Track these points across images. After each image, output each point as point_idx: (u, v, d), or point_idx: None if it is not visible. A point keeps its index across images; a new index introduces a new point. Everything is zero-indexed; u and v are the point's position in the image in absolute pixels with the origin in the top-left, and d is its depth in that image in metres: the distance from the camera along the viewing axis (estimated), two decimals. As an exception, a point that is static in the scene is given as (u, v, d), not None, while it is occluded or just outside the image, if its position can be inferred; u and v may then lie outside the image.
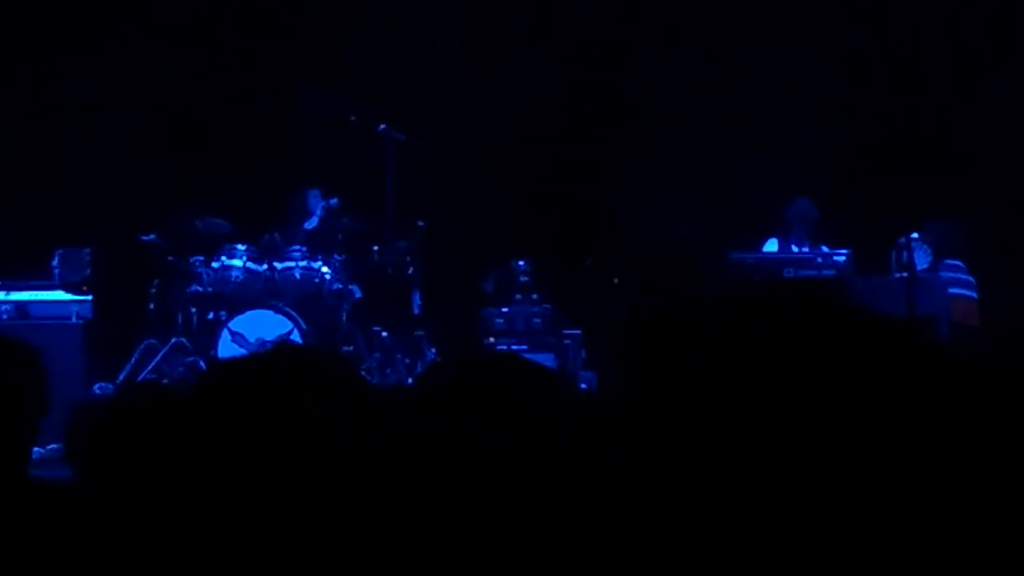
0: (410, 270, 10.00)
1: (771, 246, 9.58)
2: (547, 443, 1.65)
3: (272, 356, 1.96)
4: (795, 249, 9.50)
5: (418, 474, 1.62)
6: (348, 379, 1.94)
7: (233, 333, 9.49)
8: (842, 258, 8.77)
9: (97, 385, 9.36)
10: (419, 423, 1.73)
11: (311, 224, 10.25)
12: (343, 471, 1.77)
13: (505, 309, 9.91)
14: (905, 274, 8.66)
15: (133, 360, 9.51)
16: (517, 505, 1.63)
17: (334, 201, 10.15)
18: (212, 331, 9.62)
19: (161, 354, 9.50)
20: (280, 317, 9.49)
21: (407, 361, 9.74)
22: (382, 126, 9.91)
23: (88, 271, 9.68)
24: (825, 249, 9.49)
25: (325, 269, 9.87)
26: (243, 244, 9.87)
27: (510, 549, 1.62)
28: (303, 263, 9.85)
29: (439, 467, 1.63)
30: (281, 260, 9.86)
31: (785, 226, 9.66)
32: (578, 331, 9.80)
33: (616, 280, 9.88)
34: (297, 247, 9.93)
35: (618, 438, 1.63)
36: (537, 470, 1.63)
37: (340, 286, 9.89)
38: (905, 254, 8.70)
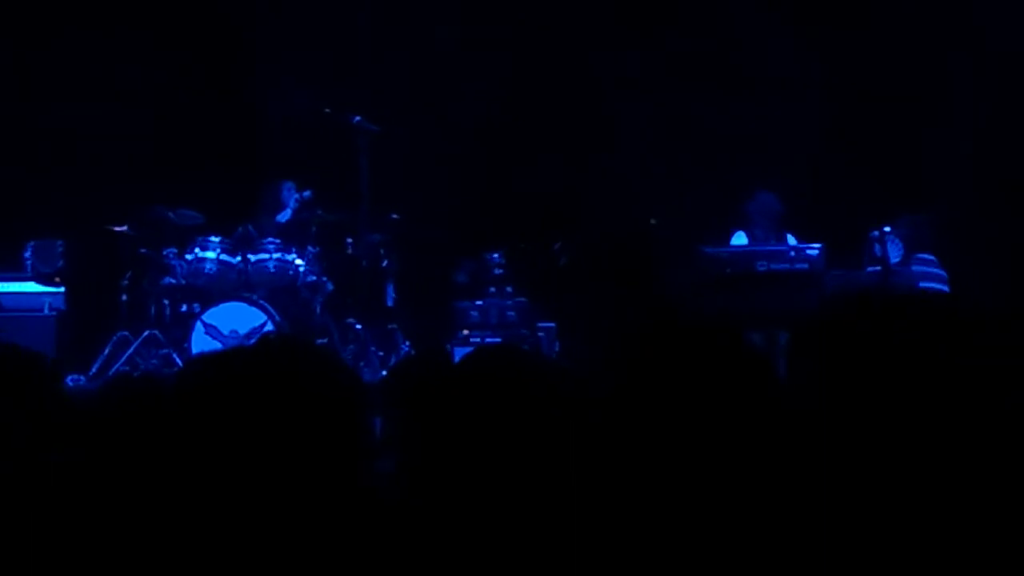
0: (384, 263, 9.99)
1: (739, 239, 9.61)
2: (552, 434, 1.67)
3: (263, 347, 1.97)
4: (760, 242, 9.53)
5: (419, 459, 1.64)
6: (335, 370, 1.95)
7: (207, 325, 9.47)
8: (815, 252, 8.79)
9: (69, 377, 9.32)
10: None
11: (284, 216, 10.22)
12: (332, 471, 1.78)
13: (479, 302, 9.92)
14: (878, 268, 8.72)
15: (106, 352, 9.47)
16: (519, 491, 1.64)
17: (307, 193, 10.13)
18: (185, 323, 9.60)
19: (134, 346, 9.46)
20: (254, 309, 9.47)
21: (381, 354, 9.74)
22: (356, 118, 9.89)
23: (61, 263, 9.65)
24: (791, 240, 9.54)
25: (299, 261, 9.86)
26: (217, 236, 9.84)
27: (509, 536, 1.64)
28: (277, 255, 9.82)
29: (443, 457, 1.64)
30: (255, 252, 9.84)
31: (746, 220, 9.68)
32: (552, 324, 9.81)
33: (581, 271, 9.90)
34: (271, 239, 9.91)
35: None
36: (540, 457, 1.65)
37: (314, 278, 9.88)
38: (878, 247, 8.75)
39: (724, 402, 1.90)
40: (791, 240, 9.55)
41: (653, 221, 9.80)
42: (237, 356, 1.93)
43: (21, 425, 1.97)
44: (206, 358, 2.02)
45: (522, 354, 1.82)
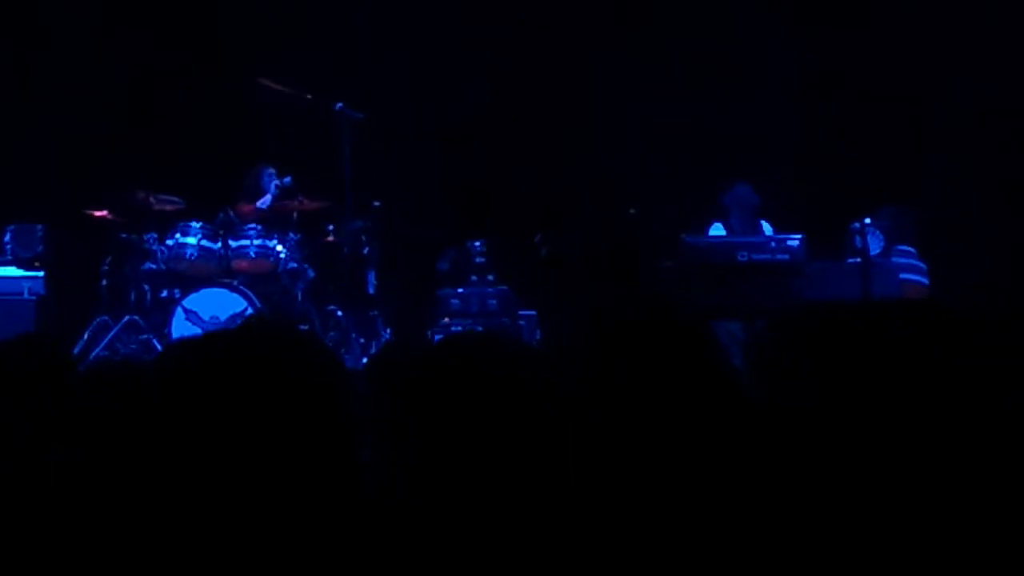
0: (366, 250, 9.98)
1: (716, 230, 9.63)
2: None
3: (244, 331, 1.96)
4: (738, 233, 9.55)
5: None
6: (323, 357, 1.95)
7: (187, 311, 9.45)
8: (795, 243, 8.81)
9: (49, 362, 9.29)
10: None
11: (265, 203, 10.19)
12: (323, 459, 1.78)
13: (460, 290, 9.92)
14: (858, 259, 8.74)
15: (85, 337, 9.45)
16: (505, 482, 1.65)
17: (287, 179, 10.11)
18: (165, 309, 9.58)
19: (114, 331, 9.44)
20: (234, 296, 9.45)
21: (362, 341, 9.73)
22: (339, 105, 9.86)
23: (41, 247, 9.62)
24: (768, 229, 9.57)
25: (280, 248, 9.84)
26: (198, 222, 9.82)
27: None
28: (258, 242, 9.80)
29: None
30: (236, 238, 9.81)
31: (724, 211, 9.70)
32: (533, 312, 9.82)
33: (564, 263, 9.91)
34: (252, 225, 9.88)
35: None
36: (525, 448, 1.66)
37: (295, 265, 9.86)
38: (858, 239, 8.78)
39: (689, 392, 1.92)
40: (767, 229, 9.59)
41: (632, 211, 9.81)
42: (217, 341, 1.93)
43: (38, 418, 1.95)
44: (185, 343, 2.02)
45: (501, 340, 1.82)
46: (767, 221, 9.70)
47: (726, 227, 9.63)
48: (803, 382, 1.68)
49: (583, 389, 2.06)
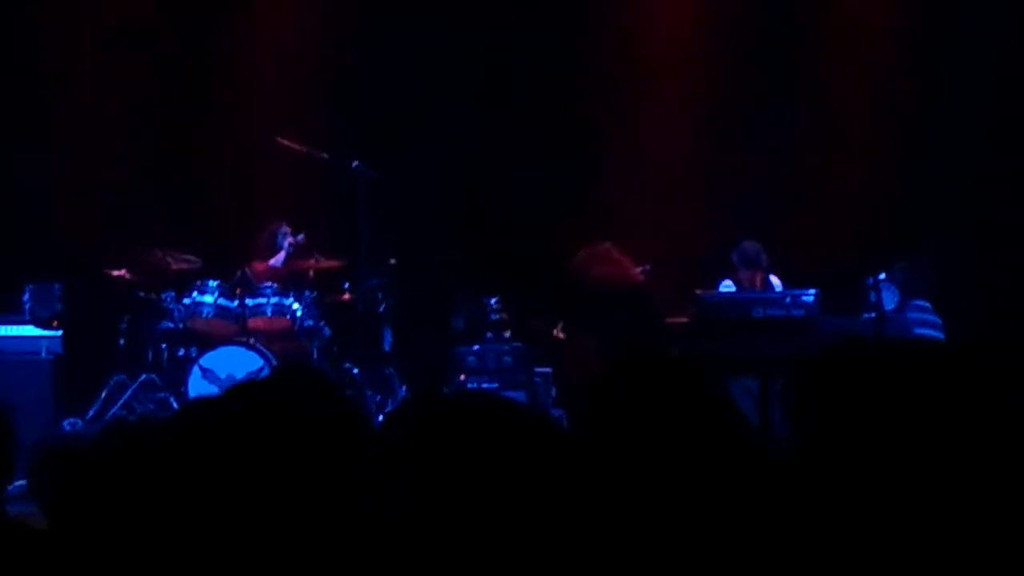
0: (381, 307, 10.01)
1: (727, 287, 9.64)
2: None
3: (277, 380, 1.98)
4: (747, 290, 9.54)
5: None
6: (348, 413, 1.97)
7: (204, 369, 9.48)
8: (810, 298, 8.82)
9: (66, 421, 9.33)
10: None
11: (278, 261, 10.24)
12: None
13: (476, 347, 9.94)
14: (873, 314, 8.75)
15: (103, 396, 9.48)
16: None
17: (300, 236, 10.16)
18: (182, 367, 9.60)
19: (131, 390, 9.47)
20: (251, 354, 9.47)
21: (378, 398, 9.75)
22: (355, 163, 9.94)
23: (59, 306, 9.66)
24: (777, 285, 9.57)
25: (296, 306, 9.87)
26: (215, 280, 9.86)
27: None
28: (274, 300, 9.85)
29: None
30: (252, 296, 9.85)
31: (732, 268, 9.70)
32: (548, 369, 9.83)
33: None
34: (268, 284, 9.93)
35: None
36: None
37: (311, 323, 9.89)
38: (873, 294, 8.79)
39: (687, 441, 1.94)
40: (777, 285, 9.59)
41: (647, 267, 9.82)
42: (232, 398, 1.95)
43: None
44: (201, 402, 2.04)
45: (491, 400, 1.84)
46: (777, 276, 9.70)
47: (736, 284, 9.64)
48: (842, 422, 1.70)
49: (592, 440, 2.07)
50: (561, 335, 9.62)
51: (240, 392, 2.01)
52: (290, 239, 10.18)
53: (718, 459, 1.96)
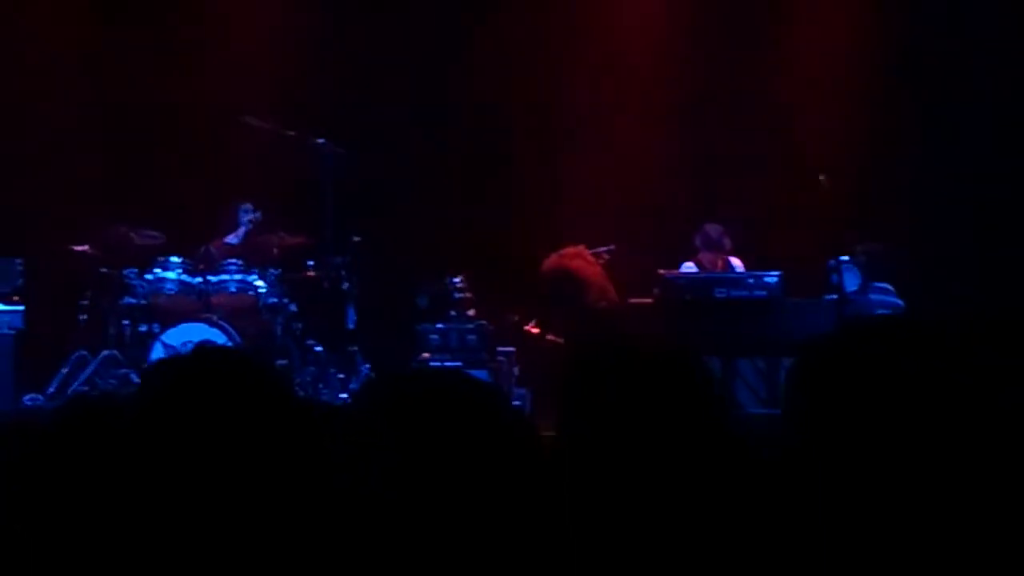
0: (345, 285, 9.99)
1: (688, 269, 9.67)
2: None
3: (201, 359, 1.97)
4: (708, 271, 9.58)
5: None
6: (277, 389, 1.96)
7: (166, 346, 9.43)
8: (773, 279, 8.87)
9: (27, 396, 9.29)
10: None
11: (236, 237, 10.20)
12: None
13: (440, 325, 9.92)
14: (835, 296, 8.80)
15: (64, 372, 9.44)
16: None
17: (258, 214, 10.13)
18: (145, 344, 9.55)
19: (92, 366, 9.43)
20: (214, 330, 9.43)
21: (341, 376, 9.74)
22: (320, 140, 9.91)
23: (20, 281, 9.61)
24: (738, 267, 9.62)
25: (260, 283, 9.84)
26: (178, 256, 9.82)
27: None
28: (238, 276, 9.82)
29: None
30: (216, 273, 9.82)
31: (694, 250, 9.74)
32: (512, 348, 9.84)
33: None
34: (232, 260, 9.89)
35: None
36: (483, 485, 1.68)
37: (275, 300, 9.86)
38: (835, 276, 8.84)
39: (671, 424, 1.95)
40: (738, 267, 9.64)
41: (612, 247, 9.83)
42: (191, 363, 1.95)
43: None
44: (172, 361, 2.03)
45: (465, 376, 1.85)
46: (739, 259, 9.75)
47: (697, 265, 9.67)
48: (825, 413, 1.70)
49: (565, 422, 2.08)
50: (535, 330, 9.61)
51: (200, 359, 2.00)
52: (250, 216, 10.14)
53: (703, 449, 1.96)
